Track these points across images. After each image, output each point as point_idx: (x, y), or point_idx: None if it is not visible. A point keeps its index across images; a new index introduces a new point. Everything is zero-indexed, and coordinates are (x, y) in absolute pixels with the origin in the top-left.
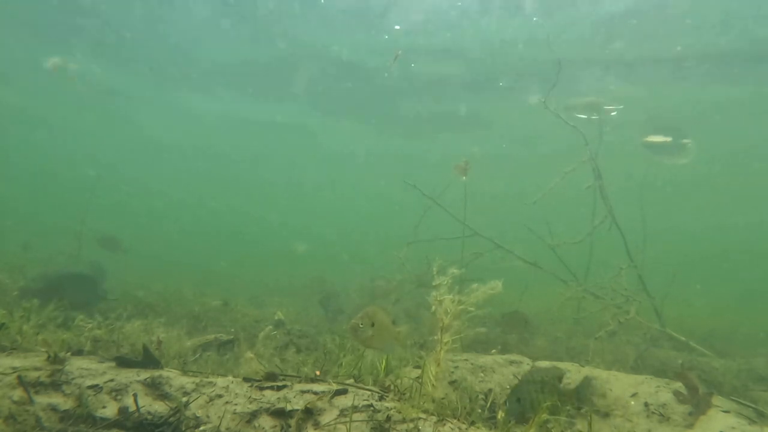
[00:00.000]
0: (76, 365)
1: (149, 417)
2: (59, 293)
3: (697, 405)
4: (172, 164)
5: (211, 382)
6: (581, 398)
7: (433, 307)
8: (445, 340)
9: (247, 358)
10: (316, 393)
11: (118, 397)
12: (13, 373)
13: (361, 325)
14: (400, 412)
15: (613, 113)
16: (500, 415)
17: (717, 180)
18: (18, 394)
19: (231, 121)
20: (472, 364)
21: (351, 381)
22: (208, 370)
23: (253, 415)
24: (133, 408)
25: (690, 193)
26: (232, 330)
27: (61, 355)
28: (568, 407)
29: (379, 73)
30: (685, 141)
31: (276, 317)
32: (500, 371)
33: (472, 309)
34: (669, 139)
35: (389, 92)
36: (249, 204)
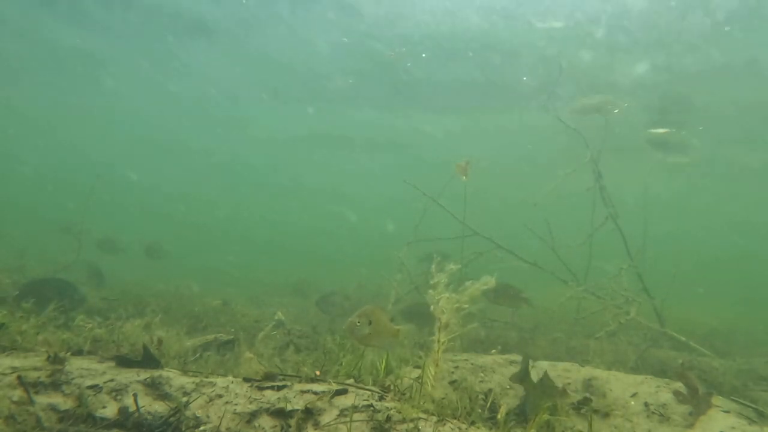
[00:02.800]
0: (76, 365)
1: (149, 417)
2: (39, 298)
3: (697, 405)
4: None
5: (211, 382)
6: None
7: (432, 307)
8: (442, 339)
9: (247, 358)
10: (316, 393)
11: (118, 397)
12: (13, 373)
13: (358, 324)
14: (400, 412)
15: (616, 111)
16: (500, 415)
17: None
18: (18, 394)
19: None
20: (472, 364)
21: (351, 381)
22: (208, 370)
23: (253, 415)
24: (133, 408)
25: (691, 194)
26: (232, 330)
27: (61, 355)
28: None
29: None
30: (690, 138)
31: (276, 317)
32: (500, 371)
33: (466, 306)
34: (674, 133)
35: None
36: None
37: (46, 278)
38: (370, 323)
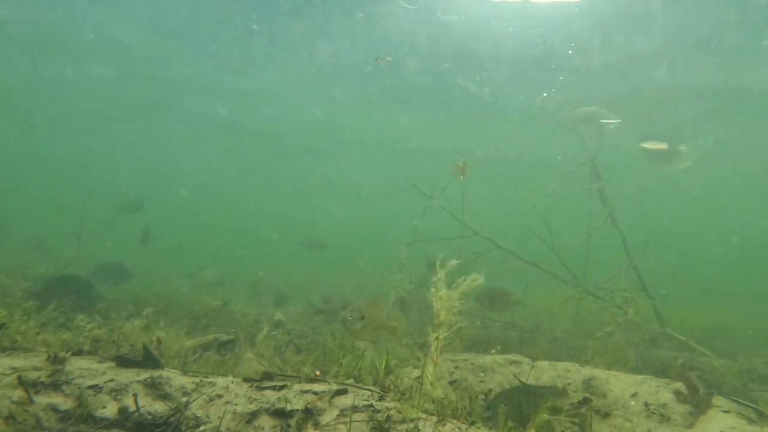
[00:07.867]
0: (76, 365)
1: (149, 417)
2: (58, 295)
3: (698, 405)
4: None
5: (211, 382)
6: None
7: (434, 306)
8: (440, 337)
9: (247, 359)
10: (316, 393)
11: (118, 397)
12: (13, 373)
13: (349, 318)
14: (400, 412)
15: (611, 125)
16: (501, 414)
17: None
18: (18, 394)
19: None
20: (472, 364)
21: (351, 381)
22: (208, 370)
23: (253, 415)
24: (133, 408)
25: (690, 194)
26: (232, 330)
27: (61, 355)
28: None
29: None
30: (681, 146)
31: (276, 317)
32: (500, 371)
33: (458, 303)
34: (665, 144)
35: None
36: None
37: (66, 275)
38: (362, 318)
